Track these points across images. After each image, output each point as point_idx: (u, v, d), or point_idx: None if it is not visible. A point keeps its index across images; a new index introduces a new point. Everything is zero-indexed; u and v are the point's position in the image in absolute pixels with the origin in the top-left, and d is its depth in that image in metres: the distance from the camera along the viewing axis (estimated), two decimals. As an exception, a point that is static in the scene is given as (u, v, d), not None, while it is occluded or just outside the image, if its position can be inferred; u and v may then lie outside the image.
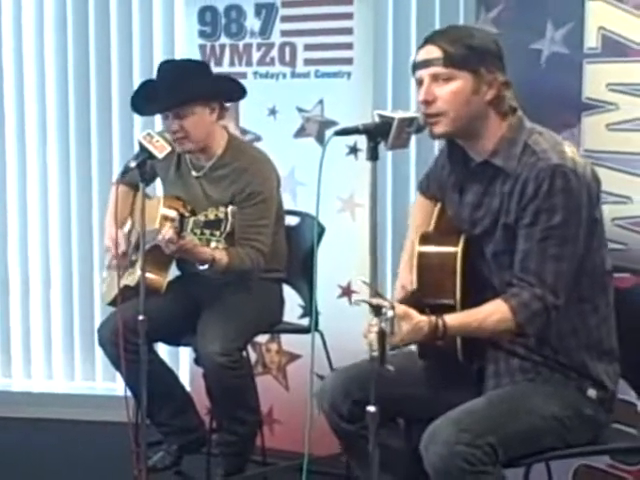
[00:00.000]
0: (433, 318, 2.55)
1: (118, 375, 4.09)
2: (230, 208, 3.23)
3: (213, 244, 3.21)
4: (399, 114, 2.49)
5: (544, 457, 2.72)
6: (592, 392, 2.71)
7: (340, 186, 4.11)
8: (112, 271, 3.82)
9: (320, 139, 4.18)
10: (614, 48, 3.32)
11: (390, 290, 4.62)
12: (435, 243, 2.76)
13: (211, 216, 3.21)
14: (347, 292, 4.16)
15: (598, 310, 2.73)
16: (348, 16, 4.11)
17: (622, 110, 3.32)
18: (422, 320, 2.54)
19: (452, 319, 2.58)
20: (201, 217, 3.23)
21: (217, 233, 3.20)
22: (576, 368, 2.71)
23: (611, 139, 3.35)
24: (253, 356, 4.25)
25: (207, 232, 3.21)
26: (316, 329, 3.72)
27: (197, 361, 3.69)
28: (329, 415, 2.86)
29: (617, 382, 2.78)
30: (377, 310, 2.43)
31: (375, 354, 2.43)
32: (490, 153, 2.69)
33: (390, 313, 2.42)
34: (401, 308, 2.51)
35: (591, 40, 3.37)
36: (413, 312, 2.53)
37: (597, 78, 3.37)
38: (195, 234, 3.23)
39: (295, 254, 3.88)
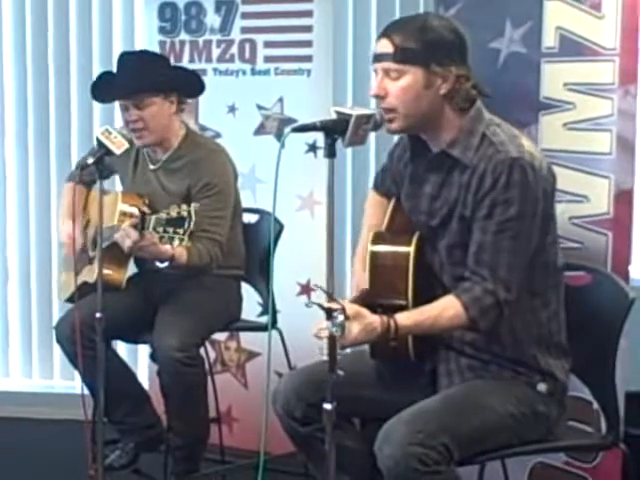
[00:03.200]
0: (385, 318, 2.54)
1: (76, 373, 4.06)
2: (193, 205, 3.23)
3: (176, 242, 3.20)
4: (356, 111, 2.49)
5: (498, 455, 2.72)
6: (542, 386, 2.72)
7: (299, 184, 4.11)
8: (69, 268, 3.80)
9: (280, 137, 4.17)
10: (572, 48, 3.34)
11: (349, 287, 4.64)
12: (387, 243, 2.76)
13: (173, 214, 3.20)
14: (306, 290, 4.15)
15: (549, 305, 2.74)
16: (308, 14, 4.11)
17: (579, 109, 3.34)
18: (374, 320, 2.53)
19: (404, 318, 2.57)
20: (163, 215, 3.21)
21: (180, 231, 3.18)
22: (525, 362, 2.72)
23: (568, 138, 3.37)
24: (212, 354, 4.24)
25: (170, 230, 3.19)
26: (275, 327, 3.72)
27: (152, 356, 3.67)
28: (282, 418, 2.85)
29: (568, 377, 2.79)
30: (328, 313, 2.42)
31: (325, 358, 2.42)
32: (448, 143, 2.69)
33: (340, 318, 2.41)
34: (353, 308, 2.50)
35: (549, 39, 3.40)
36: (365, 312, 2.53)
37: (555, 77, 3.39)
38: (157, 232, 3.21)
39: (254, 252, 3.87)
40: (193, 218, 3.18)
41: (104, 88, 3.72)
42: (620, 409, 2.91)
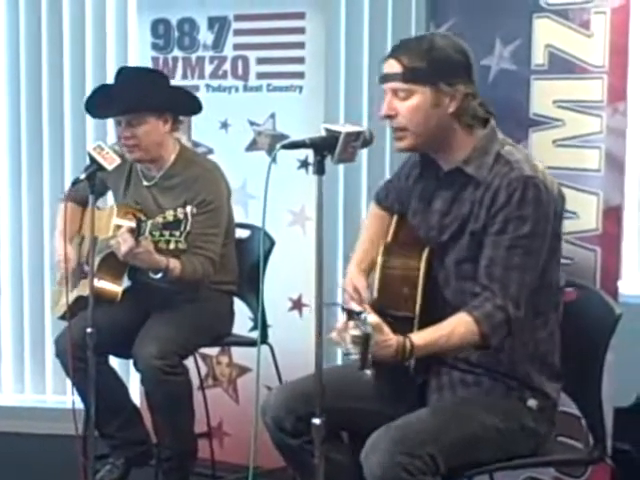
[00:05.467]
0: (401, 338, 2.53)
1: (68, 388, 4.07)
2: (189, 208, 3.27)
3: (173, 245, 3.24)
4: (346, 128, 2.50)
5: (486, 469, 2.73)
6: (532, 402, 2.73)
7: (291, 199, 4.13)
8: (63, 286, 3.81)
9: (272, 153, 4.19)
10: (561, 65, 3.37)
11: (341, 303, 4.65)
12: (398, 256, 2.76)
13: (170, 217, 3.26)
14: (297, 305, 4.17)
15: (547, 325, 2.76)
16: (300, 30, 4.13)
17: (568, 126, 3.37)
18: (392, 338, 2.51)
19: (419, 338, 2.56)
20: (159, 219, 3.28)
21: (177, 233, 3.24)
22: (519, 378, 2.74)
23: (558, 155, 3.39)
24: (203, 369, 4.25)
25: (166, 233, 3.26)
26: (266, 342, 3.73)
27: (135, 366, 3.67)
28: (272, 430, 2.85)
29: (559, 396, 2.81)
30: (350, 315, 2.42)
31: (355, 357, 2.40)
32: (462, 161, 2.71)
33: (370, 317, 2.40)
34: (375, 319, 2.48)
35: (538, 57, 3.43)
36: (386, 328, 2.51)
37: (544, 94, 3.42)
38: (154, 236, 3.26)
39: (245, 267, 3.89)
40: (190, 220, 3.23)
41: (99, 102, 3.74)
42: (608, 424, 2.93)
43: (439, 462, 2.55)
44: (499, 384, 2.74)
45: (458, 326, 2.60)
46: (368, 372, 2.44)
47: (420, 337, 2.57)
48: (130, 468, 3.80)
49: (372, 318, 2.44)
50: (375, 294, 2.74)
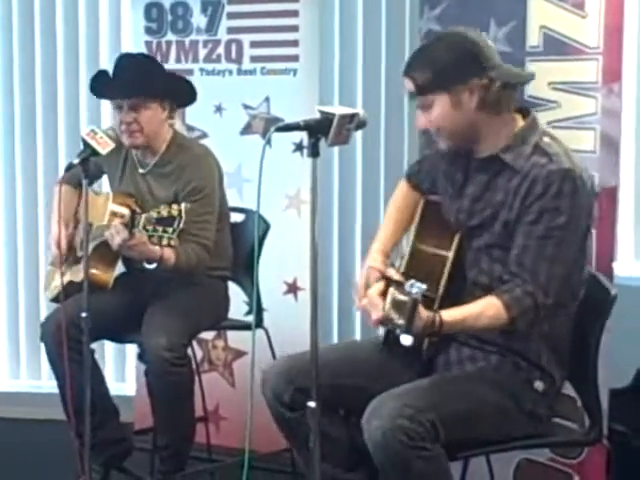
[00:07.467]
0: (431, 313, 2.54)
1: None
2: (184, 205, 3.26)
3: (165, 241, 3.23)
4: (340, 110, 2.50)
5: (482, 451, 2.75)
6: (539, 384, 2.76)
7: (286, 183, 4.12)
8: (55, 268, 3.80)
9: (266, 136, 4.17)
10: (556, 47, 3.36)
11: (335, 286, 4.66)
12: (430, 240, 2.81)
13: (164, 213, 3.24)
14: (293, 289, 4.16)
15: (565, 311, 2.77)
16: (294, 13, 4.12)
17: (563, 108, 3.36)
18: (421, 311, 2.49)
19: (449, 316, 2.59)
20: (153, 214, 3.26)
21: (169, 230, 3.23)
22: (529, 358, 2.75)
23: (553, 136, 3.38)
24: (199, 353, 4.25)
25: (159, 229, 3.23)
26: (261, 326, 3.73)
27: (141, 356, 3.66)
28: (271, 401, 2.87)
29: (562, 384, 2.84)
30: (392, 282, 2.46)
31: (401, 322, 2.38)
32: (501, 149, 2.74)
33: (423, 285, 2.38)
34: (423, 286, 2.45)
35: (533, 38, 3.41)
36: None
37: (539, 76, 3.37)
38: (147, 231, 3.25)
39: (240, 251, 3.88)
40: (183, 217, 3.22)
41: (102, 86, 3.73)
42: (604, 405, 2.93)
43: (439, 430, 2.56)
44: (508, 361, 2.76)
45: (487, 309, 2.63)
46: (409, 339, 2.39)
47: (449, 314, 2.59)
48: (109, 470, 3.77)
49: (420, 285, 2.41)
50: (402, 268, 2.78)
